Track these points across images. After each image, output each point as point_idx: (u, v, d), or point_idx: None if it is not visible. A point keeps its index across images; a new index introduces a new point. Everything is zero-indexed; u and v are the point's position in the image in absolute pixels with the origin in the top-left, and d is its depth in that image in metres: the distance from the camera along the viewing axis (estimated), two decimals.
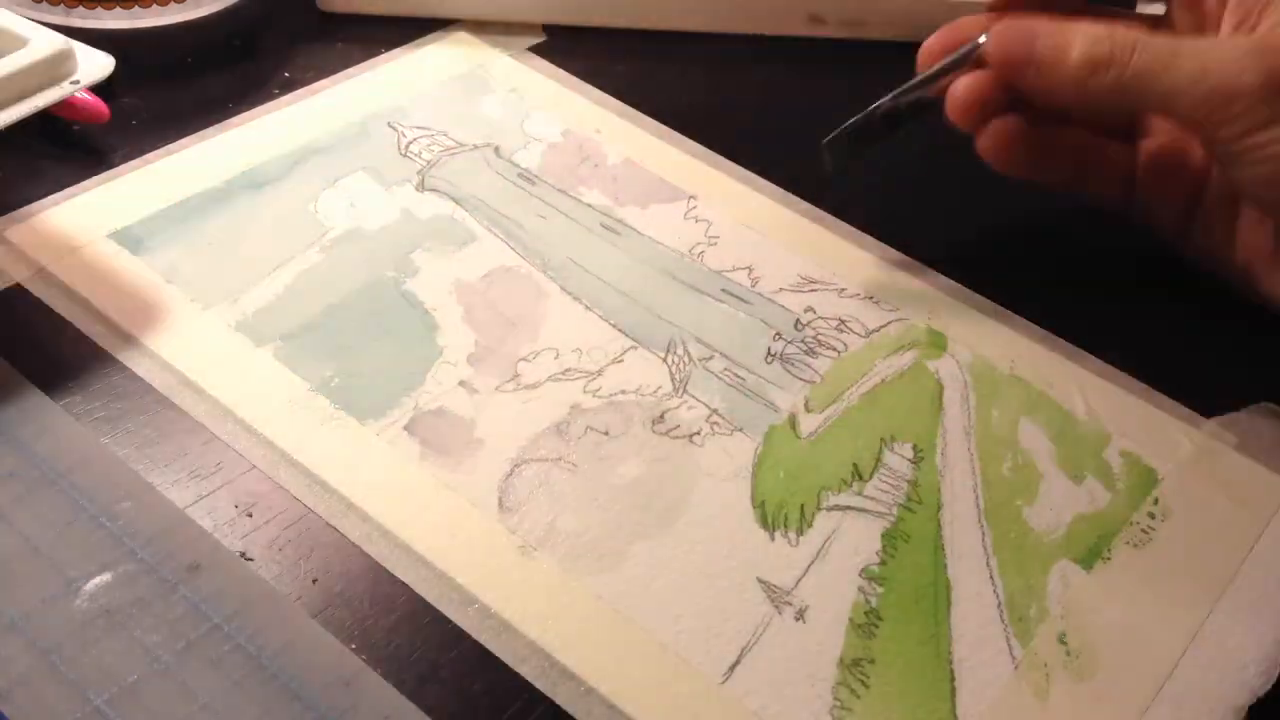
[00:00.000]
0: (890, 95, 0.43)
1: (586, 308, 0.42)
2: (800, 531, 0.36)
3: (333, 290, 0.41)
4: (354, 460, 0.36)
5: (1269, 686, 0.34)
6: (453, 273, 0.43)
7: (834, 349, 0.42)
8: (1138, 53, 0.39)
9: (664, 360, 0.41)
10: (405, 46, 0.53)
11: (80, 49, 0.41)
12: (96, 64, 0.41)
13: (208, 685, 0.30)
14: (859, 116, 0.44)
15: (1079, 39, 0.40)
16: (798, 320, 0.43)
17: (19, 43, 0.40)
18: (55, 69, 0.40)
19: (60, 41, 0.40)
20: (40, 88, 0.40)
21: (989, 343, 0.43)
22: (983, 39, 0.42)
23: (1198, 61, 0.39)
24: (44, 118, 0.41)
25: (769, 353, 0.42)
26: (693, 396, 0.40)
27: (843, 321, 0.43)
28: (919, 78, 0.43)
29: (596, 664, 0.32)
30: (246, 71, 0.50)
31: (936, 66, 0.43)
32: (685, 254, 0.45)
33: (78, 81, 0.41)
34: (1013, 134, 0.43)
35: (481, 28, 0.54)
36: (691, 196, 0.47)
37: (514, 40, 0.54)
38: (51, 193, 0.43)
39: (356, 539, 0.34)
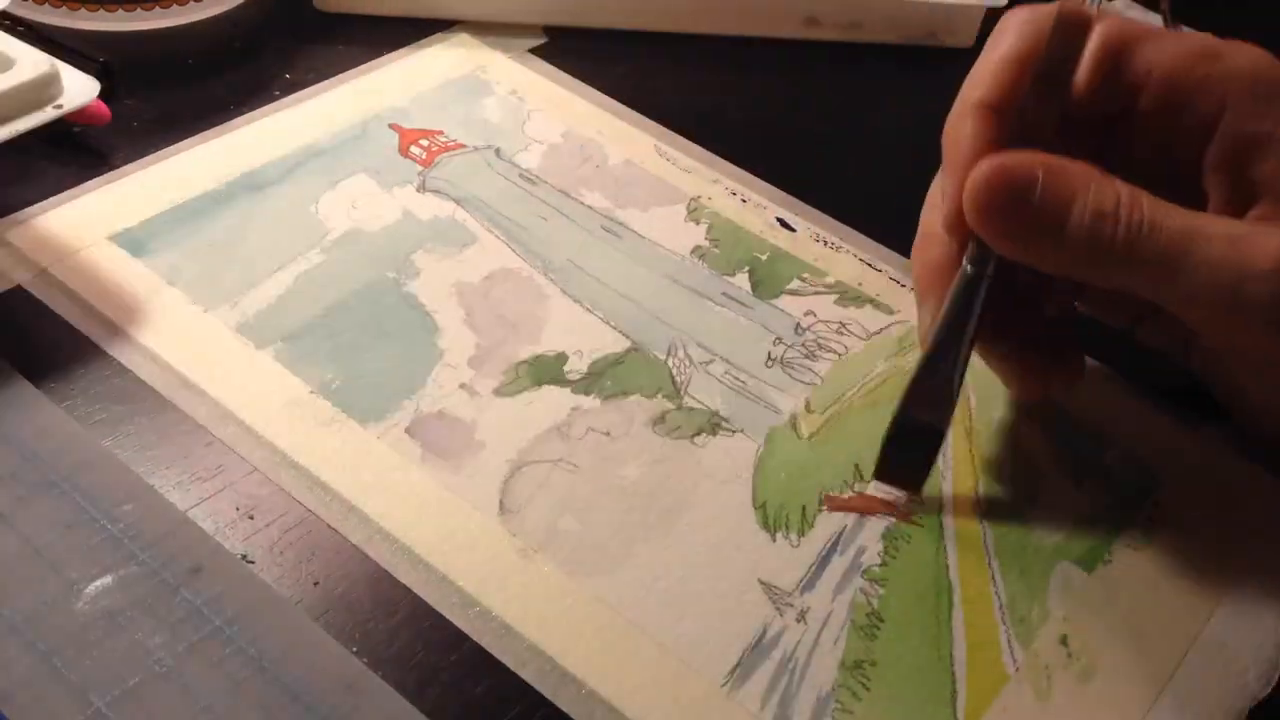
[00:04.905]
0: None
1: (587, 309, 0.42)
2: (802, 533, 0.36)
3: (334, 292, 0.41)
4: (355, 463, 0.36)
5: (1268, 690, 0.34)
6: (453, 274, 0.43)
7: (835, 351, 0.42)
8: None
9: (665, 362, 0.41)
10: (406, 48, 0.53)
11: (66, 71, 0.41)
12: (82, 87, 0.41)
13: (209, 688, 0.30)
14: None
15: None
16: (798, 324, 0.43)
17: (6, 64, 0.39)
18: (40, 92, 0.40)
19: (45, 64, 0.40)
20: (23, 111, 0.39)
21: None
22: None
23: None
24: None
25: (769, 357, 0.42)
26: (694, 398, 0.40)
27: (843, 324, 0.43)
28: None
29: (598, 667, 0.32)
30: (247, 73, 0.50)
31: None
32: (685, 257, 0.45)
33: (61, 106, 0.40)
34: None
35: (482, 29, 0.54)
36: (693, 198, 0.48)
37: (514, 42, 0.54)
38: (52, 195, 0.43)
39: (358, 542, 0.34)
